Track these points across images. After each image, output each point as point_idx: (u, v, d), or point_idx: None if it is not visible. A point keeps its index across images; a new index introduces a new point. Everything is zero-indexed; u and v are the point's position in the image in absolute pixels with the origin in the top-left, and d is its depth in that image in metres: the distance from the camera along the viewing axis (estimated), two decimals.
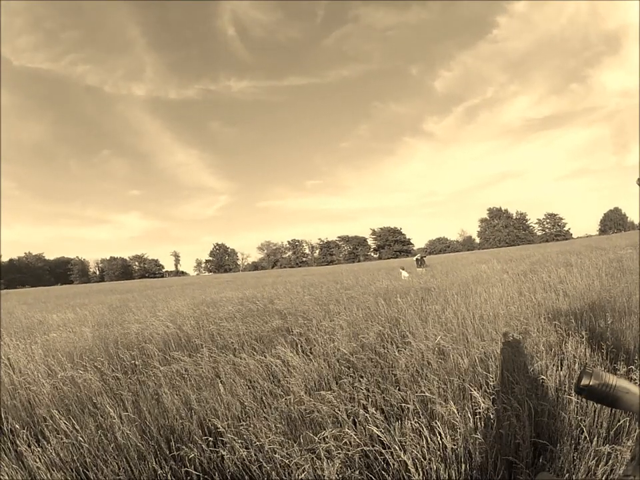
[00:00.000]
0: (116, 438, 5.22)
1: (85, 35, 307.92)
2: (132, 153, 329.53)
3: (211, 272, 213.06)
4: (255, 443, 4.70)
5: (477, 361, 6.71)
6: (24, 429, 5.75)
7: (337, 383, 6.42)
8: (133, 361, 8.52)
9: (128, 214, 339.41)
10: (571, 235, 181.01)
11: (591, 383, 1.40)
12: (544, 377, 5.56)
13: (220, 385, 6.58)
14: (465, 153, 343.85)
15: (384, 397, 5.66)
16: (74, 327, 13.99)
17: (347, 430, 4.58)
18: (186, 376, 7.42)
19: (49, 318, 18.30)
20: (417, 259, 37.11)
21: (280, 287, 25.94)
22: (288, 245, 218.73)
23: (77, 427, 5.49)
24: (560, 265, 21.38)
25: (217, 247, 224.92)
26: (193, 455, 4.60)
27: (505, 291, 13.96)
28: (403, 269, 31.54)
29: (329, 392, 5.73)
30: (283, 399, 5.80)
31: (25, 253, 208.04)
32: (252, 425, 5.10)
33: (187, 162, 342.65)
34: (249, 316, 13.34)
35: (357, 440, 4.49)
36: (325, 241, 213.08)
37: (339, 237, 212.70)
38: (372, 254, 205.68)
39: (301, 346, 8.75)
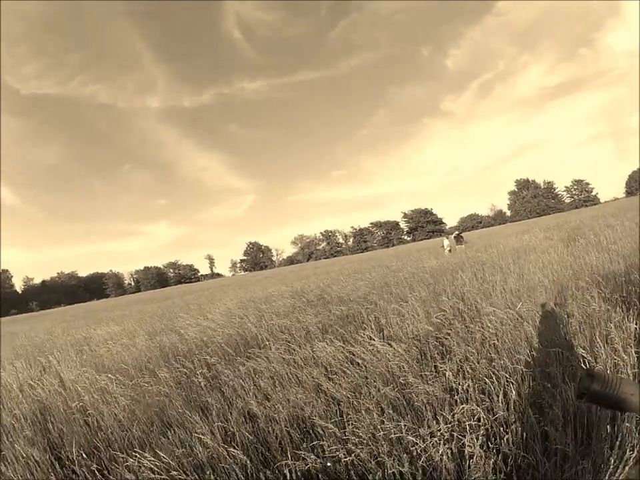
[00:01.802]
0: (210, 456, 4.67)
1: (90, 55, 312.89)
2: (154, 164, 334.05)
3: (246, 271, 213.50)
4: (368, 436, 4.28)
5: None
6: (88, 459, 5.27)
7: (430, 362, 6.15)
8: (201, 370, 8.05)
9: (157, 223, 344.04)
10: (599, 199, 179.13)
11: (593, 387, 1.31)
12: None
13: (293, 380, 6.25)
14: (484, 128, 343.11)
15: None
16: (123, 339, 13.62)
17: (476, 407, 4.35)
18: (262, 376, 6.87)
19: (94, 333, 17.81)
20: (455, 237, 36.90)
21: (325, 277, 25.67)
22: (321, 237, 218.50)
23: (157, 450, 4.95)
24: (602, 228, 20.91)
25: (250, 245, 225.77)
26: (308, 464, 4.09)
27: (559, 255, 13.76)
28: (455, 237, 31.75)
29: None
30: (388, 386, 5.32)
31: (58, 273, 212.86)
32: (356, 419, 4.67)
33: (210, 166, 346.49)
34: (309, 307, 12.96)
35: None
36: (358, 228, 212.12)
37: (371, 224, 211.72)
38: (405, 237, 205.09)
39: (378, 330, 8.40)
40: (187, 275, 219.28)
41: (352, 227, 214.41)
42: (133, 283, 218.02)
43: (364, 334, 7.67)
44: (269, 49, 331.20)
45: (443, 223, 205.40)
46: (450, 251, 31.14)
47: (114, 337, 15.23)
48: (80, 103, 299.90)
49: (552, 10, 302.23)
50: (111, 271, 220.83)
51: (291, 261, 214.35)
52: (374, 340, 7.08)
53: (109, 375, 8.46)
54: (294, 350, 7.80)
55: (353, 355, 6.87)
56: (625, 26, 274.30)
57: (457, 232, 39.16)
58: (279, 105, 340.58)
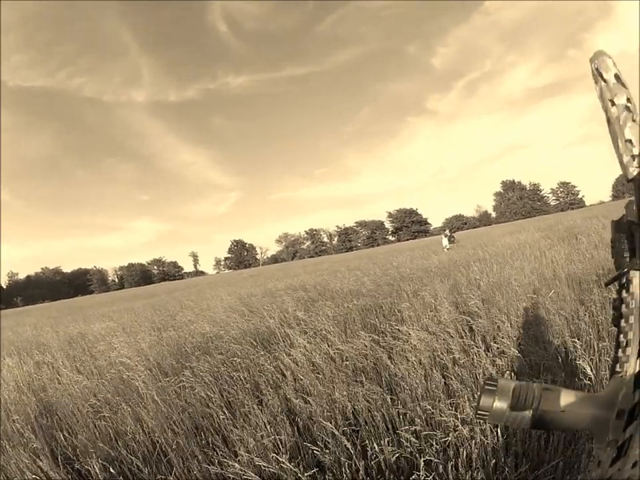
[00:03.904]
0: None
1: (77, 46, 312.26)
2: (138, 157, 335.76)
3: (230, 269, 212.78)
4: None
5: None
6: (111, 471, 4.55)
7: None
8: (236, 373, 7.42)
9: (140, 219, 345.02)
10: (584, 202, 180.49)
11: (495, 405, 0.90)
12: None
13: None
14: (470, 127, 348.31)
15: None
16: (124, 336, 12.76)
17: None
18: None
19: (88, 329, 16.92)
20: (446, 235, 36.89)
21: (319, 274, 25.36)
22: (306, 235, 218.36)
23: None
24: (600, 228, 20.64)
25: (234, 243, 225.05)
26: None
27: (566, 252, 13.71)
28: (446, 236, 31.93)
29: None
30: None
31: (42, 268, 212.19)
32: None
33: (194, 161, 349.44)
34: (318, 300, 12.59)
35: None
36: (343, 227, 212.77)
37: (356, 223, 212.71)
38: (389, 237, 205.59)
39: (409, 321, 8.04)
40: (170, 272, 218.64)
41: (337, 226, 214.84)
42: (116, 280, 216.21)
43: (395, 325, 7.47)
44: (255, 43, 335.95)
45: (428, 224, 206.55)
46: (448, 249, 31.17)
47: (110, 332, 14.50)
48: (66, 96, 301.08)
49: (541, 10, 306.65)
50: (95, 267, 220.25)
51: (275, 259, 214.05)
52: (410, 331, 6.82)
53: (125, 370, 7.92)
54: (330, 341, 7.43)
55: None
56: (615, 27, 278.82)
57: (448, 231, 39.25)
58: (264, 100, 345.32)
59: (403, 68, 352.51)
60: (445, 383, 5.02)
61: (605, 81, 0.93)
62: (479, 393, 0.90)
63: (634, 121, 0.88)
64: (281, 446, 4.39)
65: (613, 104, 0.91)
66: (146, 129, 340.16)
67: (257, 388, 6.15)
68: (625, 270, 0.88)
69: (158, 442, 5.04)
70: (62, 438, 5.73)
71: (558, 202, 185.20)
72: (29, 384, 8.71)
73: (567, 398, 0.88)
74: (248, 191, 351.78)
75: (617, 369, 0.87)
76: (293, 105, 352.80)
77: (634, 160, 0.85)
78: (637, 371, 0.82)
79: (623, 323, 0.88)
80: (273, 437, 4.51)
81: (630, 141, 0.87)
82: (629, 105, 0.90)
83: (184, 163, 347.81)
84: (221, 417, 5.24)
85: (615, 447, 0.77)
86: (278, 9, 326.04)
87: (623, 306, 0.89)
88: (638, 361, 0.83)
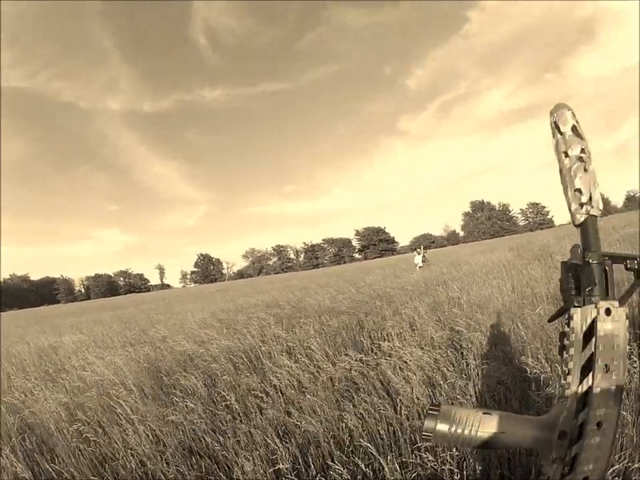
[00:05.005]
0: None
1: (57, 50, 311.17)
2: (110, 167, 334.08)
3: (196, 283, 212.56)
4: None
5: None
6: None
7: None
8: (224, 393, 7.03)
9: (109, 229, 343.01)
10: (554, 222, 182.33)
11: (437, 427, 1.02)
12: None
13: None
14: (442, 149, 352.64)
15: None
16: (96, 351, 12.17)
17: None
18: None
19: (58, 341, 16.10)
20: (419, 253, 37.13)
21: (288, 291, 25.37)
22: (273, 251, 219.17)
23: None
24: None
25: (201, 257, 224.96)
26: None
27: (543, 270, 13.95)
28: (419, 254, 31.98)
29: None
30: None
31: (10, 275, 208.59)
32: None
33: (165, 173, 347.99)
34: (296, 317, 12.36)
35: None
36: (310, 244, 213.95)
37: (323, 240, 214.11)
38: (356, 255, 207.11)
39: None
40: (137, 285, 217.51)
41: (304, 243, 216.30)
42: (83, 290, 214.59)
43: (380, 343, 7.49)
44: (234, 58, 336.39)
45: (395, 242, 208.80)
46: (421, 267, 31.23)
47: (82, 346, 13.95)
48: (44, 100, 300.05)
49: (521, 34, 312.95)
50: (62, 276, 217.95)
51: (241, 274, 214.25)
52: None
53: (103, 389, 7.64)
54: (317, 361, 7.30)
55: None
56: (597, 51, 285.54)
57: (421, 248, 39.46)
58: (239, 114, 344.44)
59: (378, 88, 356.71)
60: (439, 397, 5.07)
61: (561, 133, 1.03)
62: (424, 416, 1.06)
63: (586, 170, 0.99)
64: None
65: (567, 155, 1.01)
66: (120, 139, 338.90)
67: (245, 409, 5.94)
68: (567, 306, 0.99)
69: (150, 469, 4.76)
70: (44, 463, 5.33)
71: (527, 222, 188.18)
72: (7, 402, 8.19)
73: (506, 421, 1.01)
74: (216, 205, 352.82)
75: (561, 394, 0.97)
76: (267, 121, 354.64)
77: (581, 207, 0.96)
78: (578, 396, 0.92)
79: (565, 354, 0.97)
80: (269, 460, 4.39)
81: (579, 190, 0.97)
82: (582, 155, 1.00)
83: (154, 175, 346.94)
84: (209, 440, 5.02)
85: (561, 464, 0.90)
86: (259, 25, 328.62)
87: (565, 339, 0.98)
88: (579, 387, 0.92)
